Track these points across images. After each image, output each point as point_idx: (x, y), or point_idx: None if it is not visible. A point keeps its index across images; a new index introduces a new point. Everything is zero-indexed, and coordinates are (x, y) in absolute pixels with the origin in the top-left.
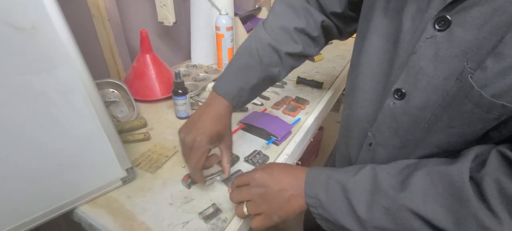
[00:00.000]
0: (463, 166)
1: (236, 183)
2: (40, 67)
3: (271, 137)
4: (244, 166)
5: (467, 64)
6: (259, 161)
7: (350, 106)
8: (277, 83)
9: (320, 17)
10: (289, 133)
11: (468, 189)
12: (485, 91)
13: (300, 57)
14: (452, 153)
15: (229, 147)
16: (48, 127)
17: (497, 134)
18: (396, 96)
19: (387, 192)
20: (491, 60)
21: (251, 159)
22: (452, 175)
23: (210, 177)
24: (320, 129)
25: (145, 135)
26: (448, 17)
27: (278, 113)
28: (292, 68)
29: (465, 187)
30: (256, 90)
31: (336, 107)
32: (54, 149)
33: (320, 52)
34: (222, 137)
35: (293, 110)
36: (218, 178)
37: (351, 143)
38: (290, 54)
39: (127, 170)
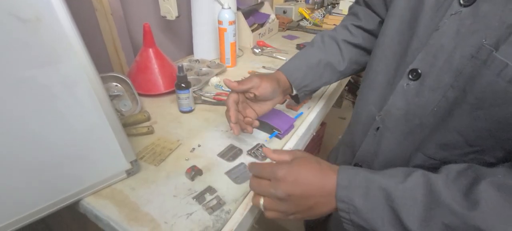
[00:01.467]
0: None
1: (256, 172)
2: (45, 59)
3: (274, 130)
4: (247, 159)
5: (485, 40)
6: (262, 154)
7: (361, 91)
8: None
9: (377, 18)
10: (291, 126)
11: None
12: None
13: (362, 50)
14: (479, 148)
15: (250, 80)
16: (53, 120)
17: None
18: (410, 77)
19: (451, 207)
20: None
21: (253, 152)
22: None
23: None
24: (322, 124)
25: (148, 129)
26: None
27: (281, 107)
28: (355, 62)
29: None
30: (314, 71)
31: (338, 103)
32: (59, 141)
33: None
34: (261, 78)
35: (295, 104)
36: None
37: (357, 129)
38: (348, 42)
39: (131, 162)
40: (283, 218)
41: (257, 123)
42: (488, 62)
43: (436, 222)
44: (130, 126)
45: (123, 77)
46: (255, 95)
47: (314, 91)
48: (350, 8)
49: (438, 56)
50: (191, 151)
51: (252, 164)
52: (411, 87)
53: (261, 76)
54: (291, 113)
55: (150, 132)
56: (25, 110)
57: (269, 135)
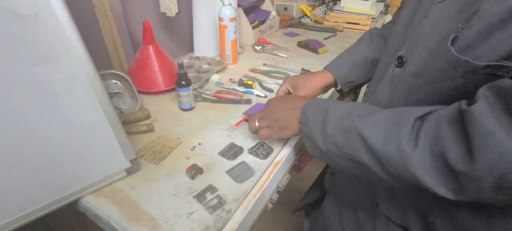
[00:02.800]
0: (420, 109)
1: (252, 116)
2: (42, 56)
3: None
4: (248, 158)
5: (460, 25)
6: (263, 152)
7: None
8: (280, 75)
9: None
10: None
11: (407, 123)
12: (467, 52)
13: None
14: None
15: (297, 88)
16: (51, 118)
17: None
18: (396, 63)
19: (351, 116)
20: (476, 18)
21: (254, 150)
22: (407, 113)
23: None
24: None
25: (148, 126)
26: None
27: None
28: None
29: (407, 120)
30: (360, 68)
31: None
32: (59, 139)
33: (324, 44)
34: (297, 88)
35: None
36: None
37: None
38: None
39: (131, 160)
40: (273, 134)
41: None
42: (442, 43)
43: (340, 126)
44: (130, 123)
45: (122, 74)
46: None
47: (360, 86)
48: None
49: (419, 42)
50: (191, 149)
51: (249, 118)
52: (396, 73)
53: (307, 82)
54: None
55: (150, 129)
56: (23, 108)
57: None
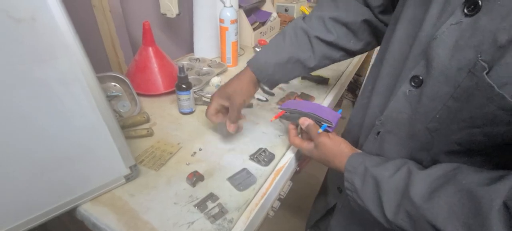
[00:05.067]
0: (497, 192)
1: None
2: (40, 58)
3: (323, 123)
4: (249, 164)
5: (480, 56)
6: (265, 159)
7: (370, 93)
8: None
9: (362, 11)
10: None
11: (493, 218)
12: (505, 90)
13: (334, 47)
14: (480, 153)
15: (235, 106)
16: (49, 121)
17: None
18: (412, 83)
19: (413, 199)
20: (510, 56)
21: (256, 157)
22: (483, 199)
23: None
24: None
25: (148, 131)
26: (480, 1)
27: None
28: (327, 58)
29: (491, 215)
30: (283, 69)
31: (338, 103)
32: (55, 143)
33: None
34: (231, 98)
35: None
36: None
37: (358, 131)
38: (321, 40)
39: (130, 167)
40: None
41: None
42: (479, 82)
43: (402, 210)
44: (129, 127)
45: (121, 77)
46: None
47: (281, 83)
48: None
49: (434, 65)
50: (192, 155)
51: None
52: (414, 93)
53: (237, 89)
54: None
55: (150, 134)
56: (22, 111)
57: (321, 127)
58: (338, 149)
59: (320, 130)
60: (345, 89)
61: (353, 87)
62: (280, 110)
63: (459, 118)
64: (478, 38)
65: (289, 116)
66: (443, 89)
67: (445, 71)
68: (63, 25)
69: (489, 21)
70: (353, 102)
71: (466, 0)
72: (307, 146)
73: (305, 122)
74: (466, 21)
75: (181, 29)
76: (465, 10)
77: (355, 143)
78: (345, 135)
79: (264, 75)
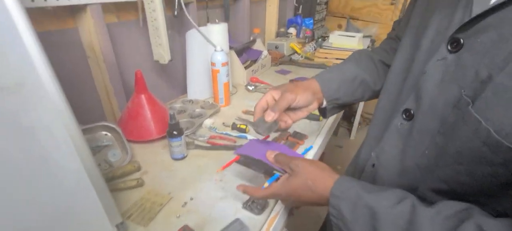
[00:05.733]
0: None
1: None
2: (25, 120)
3: (275, 172)
4: (242, 213)
5: (464, 91)
6: (258, 206)
7: (369, 125)
8: None
9: None
10: None
11: None
12: (488, 124)
13: None
14: (464, 197)
15: (284, 97)
16: (30, 183)
17: None
18: (404, 116)
19: None
20: (491, 90)
21: (249, 205)
22: None
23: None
24: (322, 154)
25: (138, 181)
26: (461, 40)
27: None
28: None
29: None
30: (349, 86)
31: (334, 131)
32: (36, 206)
33: None
34: (285, 91)
35: (291, 146)
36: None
37: (358, 163)
38: (385, 64)
39: (117, 225)
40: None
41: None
42: (465, 117)
43: None
44: (118, 178)
45: (112, 126)
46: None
47: (344, 107)
48: (389, 33)
49: (423, 99)
50: (182, 206)
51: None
52: (405, 127)
53: (295, 88)
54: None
55: (140, 184)
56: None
57: (268, 180)
58: (319, 171)
59: (266, 183)
60: (343, 119)
61: (348, 115)
62: (236, 155)
63: (446, 153)
64: (461, 74)
65: (244, 162)
66: (431, 124)
67: (433, 106)
68: (51, 90)
69: (471, 57)
70: (349, 131)
71: (450, 37)
72: (276, 184)
73: (271, 154)
74: (451, 57)
75: (174, 72)
76: (449, 47)
77: (354, 165)
78: (349, 167)
79: (329, 88)
